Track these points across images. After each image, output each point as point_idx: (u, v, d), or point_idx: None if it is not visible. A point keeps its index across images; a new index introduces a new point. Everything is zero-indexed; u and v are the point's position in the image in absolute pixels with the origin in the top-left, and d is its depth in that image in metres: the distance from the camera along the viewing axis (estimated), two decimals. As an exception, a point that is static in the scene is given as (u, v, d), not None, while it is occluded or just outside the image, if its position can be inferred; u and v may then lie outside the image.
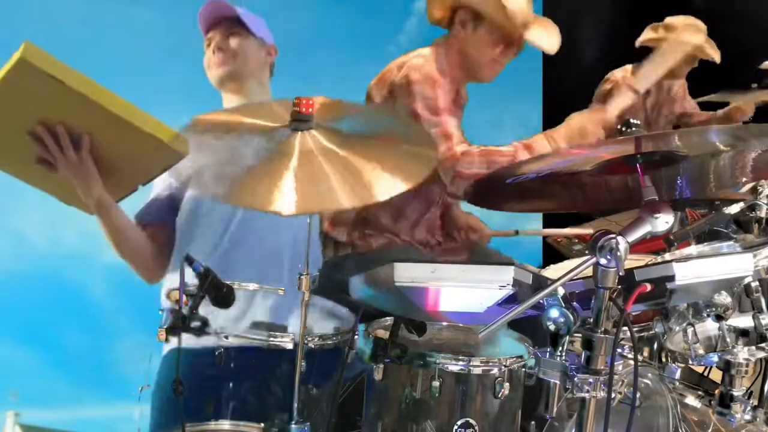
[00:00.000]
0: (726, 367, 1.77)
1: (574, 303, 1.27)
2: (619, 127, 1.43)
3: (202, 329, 1.53)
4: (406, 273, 1.30)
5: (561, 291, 1.24)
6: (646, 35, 3.79)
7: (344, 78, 2.85)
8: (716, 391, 1.81)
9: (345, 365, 1.64)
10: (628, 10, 4.74)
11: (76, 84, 1.64)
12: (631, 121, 1.41)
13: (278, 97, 2.51)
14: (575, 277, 1.25)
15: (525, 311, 1.20)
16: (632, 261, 1.35)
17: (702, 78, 3.90)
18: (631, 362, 1.51)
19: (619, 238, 1.22)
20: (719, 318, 1.78)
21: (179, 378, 1.57)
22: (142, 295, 2.26)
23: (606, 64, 4.09)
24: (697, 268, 1.35)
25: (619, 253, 1.21)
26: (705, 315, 1.80)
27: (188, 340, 1.55)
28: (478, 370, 1.59)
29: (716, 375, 1.93)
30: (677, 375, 2.04)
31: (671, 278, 1.32)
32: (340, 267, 2.24)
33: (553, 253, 3.11)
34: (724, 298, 1.76)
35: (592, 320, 1.27)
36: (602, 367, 1.26)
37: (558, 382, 1.32)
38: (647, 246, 2.24)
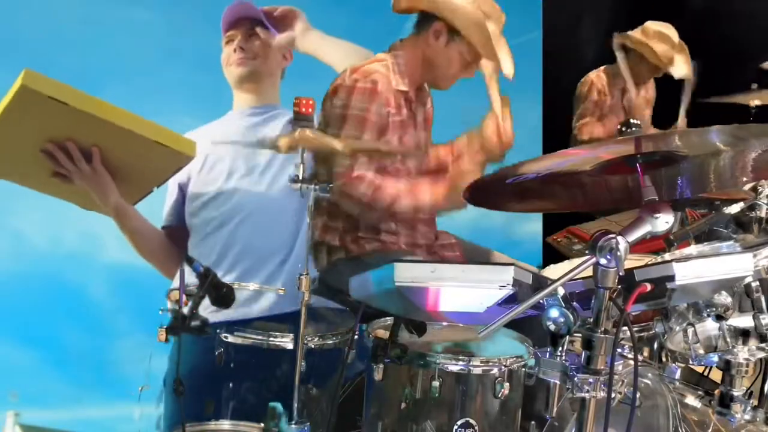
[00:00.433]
0: (726, 367, 1.77)
1: (574, 303, 1.26)
2: (619, 127, 1.43)
3: (202, 329, 1.54)
4: (406, 273, 1.30)
5: (561, 291, 1.23)
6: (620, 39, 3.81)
7: (344, 78, 2.83)
8: (716, 391, 1.81)
9: (345, 365, 1.65)
10: (628, 10, 4.73)
11: (78, 103, 1.70)
12: (632, 121, 1.41)
13: (281, 98, 2.53)
14: (575, 277, 1.24)
15: (525, 311, 1.20)
16: (632, 261, 1.35)
17: (702, 78, 3.90)
18: (631, 362, 1.51)
19: (619, 238, 1.22)
20: (719, 318, 1.78)
21: (179, 378, 1.58)
22: (142, 295, 2.26)
23: (605, 64, 4.09)
24: (697, 268, 1.35)
25: (619, 253, 1.21)
26: (705, 315, 1.80)
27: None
28: (478, 370, 1.59)
29: (716, 375, 1.93)
30: (677, 375, 2.04)
31: (671, 278, 1.32)
32: (336, 270, 2.21)
33: (553, 253, 3.10)
34: (724, 298, 1.76)
35: (592, 320, 1.27)
36: (602, 367, 1.26)
37: (558, 382, 1.32)
38: (647, 246, 2.24)
